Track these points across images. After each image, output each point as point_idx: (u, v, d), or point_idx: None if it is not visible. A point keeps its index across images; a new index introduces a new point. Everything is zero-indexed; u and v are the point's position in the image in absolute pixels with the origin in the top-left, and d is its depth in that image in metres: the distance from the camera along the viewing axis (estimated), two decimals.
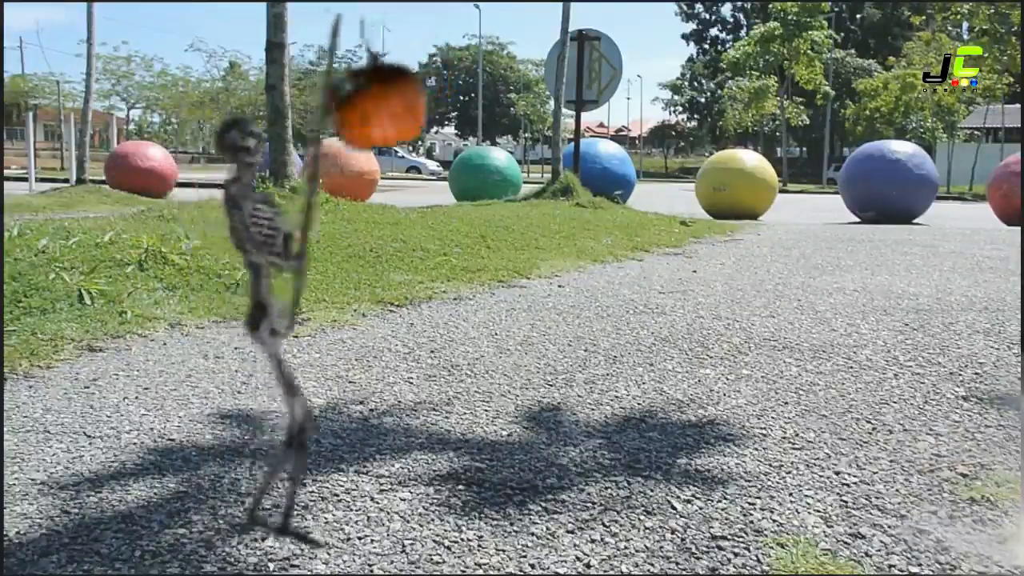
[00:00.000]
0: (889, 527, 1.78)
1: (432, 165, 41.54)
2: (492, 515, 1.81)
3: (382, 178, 19.95)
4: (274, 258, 1.50)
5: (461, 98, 55.05)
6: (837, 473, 2.07)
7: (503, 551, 1.65)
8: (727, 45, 50.71)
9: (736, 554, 1.65)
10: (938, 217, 12.77)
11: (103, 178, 15.35)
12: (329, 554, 1.63)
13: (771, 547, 1.68)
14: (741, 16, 56.83)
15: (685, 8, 58.33)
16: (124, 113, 38.44)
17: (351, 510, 1.83)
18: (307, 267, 1.47)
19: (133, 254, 4.30)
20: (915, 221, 12.03)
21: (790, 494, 1.94)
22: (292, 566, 1.58)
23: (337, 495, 1.91)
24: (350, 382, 2.86)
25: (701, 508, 1.86)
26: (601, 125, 58.89)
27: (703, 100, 58.00)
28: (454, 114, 56.95)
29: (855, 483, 2.02)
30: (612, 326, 3.79)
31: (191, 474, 2.02)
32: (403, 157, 41.46)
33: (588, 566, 1.60)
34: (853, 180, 12.68)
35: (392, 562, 1.61)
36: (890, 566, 1.62)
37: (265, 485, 1.83)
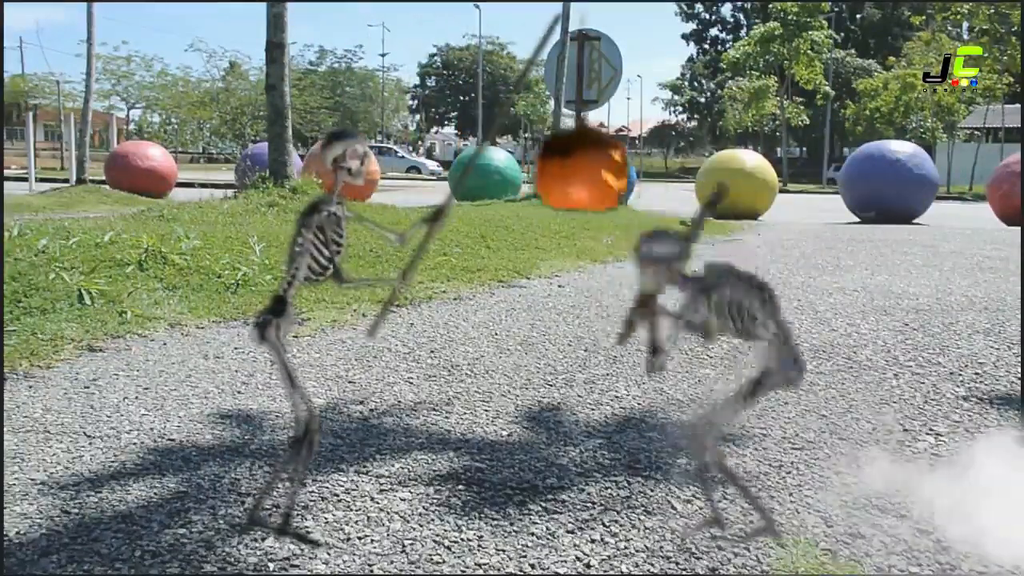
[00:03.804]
0: (889, 527, 1.78)
1: (432, 165, 41.43)
2: (492, 515, 1.81)
3: (382, 178, 19.96)
4: (317, 277, 1.50)
5: (461, 98, 55.03)
6: (837, 473, 2.07)
7: (503, 551, 1.65)
8: (727, 45, 50.66)
9: (736, 554, 1.65)
10: (938, 217, 12.77)
11: (103, 178, 15.36)
12: (329, 554, 1.63)
13: (771, 547, 1.68)
14: (741, 16, 56.80)
15: (685, 8, 58.29)
16: (124, 113, 38.42)
17: (351, 510, 1.83)
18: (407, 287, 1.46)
19: (133, 254, 4.30)
20: (915, 221, 12.03)
21: (790, 494, 1.94)
22: (292, 566, 1.58)
23: (337, 495, 1.91)
24: (350, 382, 2.86)
25: (701, 508, 1.86)
26: (601, 125, 58.79)
27: (703, 100, 57.93)
28: (454, 114, 56.96)
29: (855, 483, 2.02)
30: (612, 326, 3.79)
31: (191, 474, 2.02)
32: (403, 157, 41.39)
33: (588, 566, 1.60)
34: (853, 180, 12.69)
35: (392, 562, 1.61)
36: (890, 566, 1.62)
37: (268, 485, 1.83)
